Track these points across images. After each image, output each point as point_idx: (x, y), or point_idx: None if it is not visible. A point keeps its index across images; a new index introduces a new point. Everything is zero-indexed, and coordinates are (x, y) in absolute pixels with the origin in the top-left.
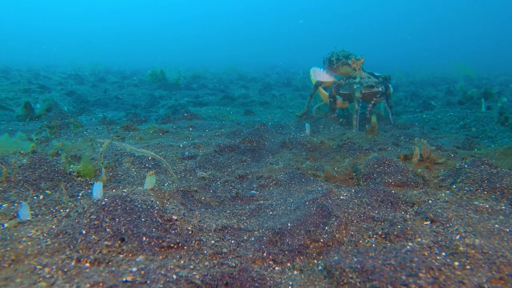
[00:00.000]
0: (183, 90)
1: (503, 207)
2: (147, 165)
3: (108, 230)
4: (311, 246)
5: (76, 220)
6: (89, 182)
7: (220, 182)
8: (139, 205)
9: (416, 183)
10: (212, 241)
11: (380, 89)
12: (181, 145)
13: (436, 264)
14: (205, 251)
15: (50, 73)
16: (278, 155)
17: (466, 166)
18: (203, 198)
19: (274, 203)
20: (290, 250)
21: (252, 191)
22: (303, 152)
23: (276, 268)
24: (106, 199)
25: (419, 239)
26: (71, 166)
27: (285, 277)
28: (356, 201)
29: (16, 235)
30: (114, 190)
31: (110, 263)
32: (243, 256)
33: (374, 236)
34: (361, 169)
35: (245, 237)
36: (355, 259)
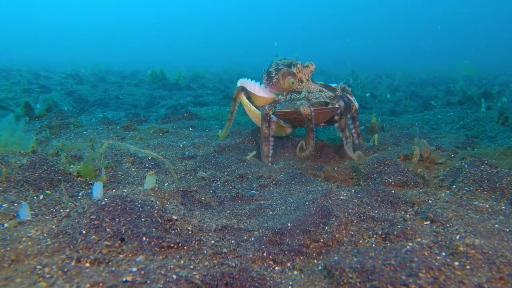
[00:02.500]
0: (183, 90)
1: (503, 207)
2: (147, 165)
3: (108, 230)
4: (311, 246)
5: (76, 220)
6: (89, 182)
7: (220, 182)
8: (139, 205)
9: (416, 183)
10: (212, 241)
11: (337, 105)
12: (181, 145)
13: (436, 264)
14: (205, 251)
15: (50, 73)
16: (278, 154)
17: (466, 166)
18: (203, 198)
19: (274, 203)
20: (290, 250)
21: (252, 191)
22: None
23: (276, 268)
24: (106, 199)
25: (419, 239)
26: (71, 166)
27: (285, 277)
28: (356, 201)
29: (16, 235)
30: (114, 190)
31: (110, 263)
32: (243, 256)
33: (374, 236)
34: (361, 169)
35: (245, 237)
36: (355, 259)
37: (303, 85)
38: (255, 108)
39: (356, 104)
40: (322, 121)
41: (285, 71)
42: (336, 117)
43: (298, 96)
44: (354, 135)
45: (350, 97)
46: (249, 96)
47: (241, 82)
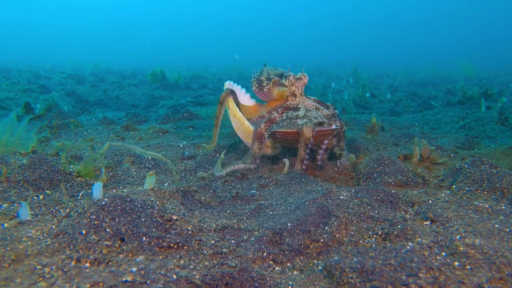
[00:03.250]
0: (183, 90)
1: (503, 207)
2: (147, 165)
3: (108, 230)
4: (311, 246)
5: (76, 220)
6: (89, 182)
7: (220, 182)
8: (139, 205)
9: (416, 183)
10: (212, 241)
11: (334, 126)
12: (181, 145)
13: (436, 264)
14: (205, 251)
15: (50, 73)
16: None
17: (466, 166)
18: (203, 198)
19: (274, 203)
20: (290, 250)
21: (252, 191)
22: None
23: (276, 268)
24: (106, 199)
25: (419, 239)
26: (71, 166)
27: (285, 277)
28: (356, 201)
29: (16, 235)
30: (114, 190)
31: (110, 263)
32: (243, 256)
33: (374, 236)
34: (361, 169)
35: (245, 237)
36: (355, 259)
37: (297, 100)
38: (248, 124)
39: (343, 123)
40: (320, 142)
41: (276, 81)
42: (331, 137)
43: (296, 114)
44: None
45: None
46: (238, 103)
47: (228, 85)
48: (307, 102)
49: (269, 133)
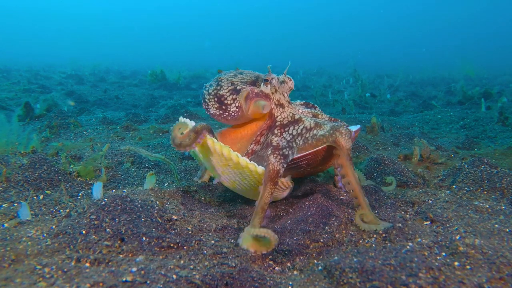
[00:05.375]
0: (183, 90)
1: (503, 207)
2: (147, 165)
3: (108, 230)
4: (311, 246)
5: (76, 220)
6: (89, 182)
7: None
8: (139, 205)
9: (416, 183)
10: (212, 241)
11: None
12: None
13: (436, 264)
14: (205, 251)
15: (50, 73)
16: None
17: (466, 166)
18: (203, 198)
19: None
20: (290, 250)
21: None
22: None
23: (276, 268)
24: (106, 199)
25: (419, 239)
26: (71, 166)
27: (285, 277)
28: None
29: (16, 235)
30: (114, 190)
31: (110, 263)
32: (243, 256)
33: (374, 236)
34: (361, 169)
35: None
36: (355, 259)
37: (288, 111)
38: (247, 161)
39: None
40: (324, 162)
41: (249, 92)
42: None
43: (304, 127)
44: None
45: None
46: (216, 136)
47: (184, 121)
48: (300, 111)
49: (284, 166)
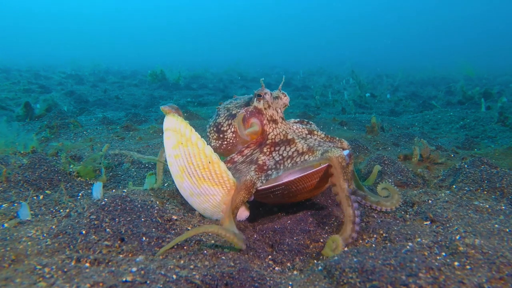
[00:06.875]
0: (183, 90)
1: (503, 207)
2: (146, 165)
3: (108, 230)
4: (311, 246)
5: (76, 220)
6: (89, 182)
7: None
8: (139, 205)
9: (416, 183)
10: (212, 241)
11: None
12: None
13: (436, 264)
14: (205, 251)
15: (50, 73)
16: None
17: (466, 166)
18: None
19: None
20: (290, 250)
21: None
22: None
23: (276, 268)
24: (106, 199)
25: (419, 239)
26: (71, 166)
27: (285, 277)
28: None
29: (16, 235)
30: (114, 190)
31: (110, 263)
32: (243, 256)
33: (374, 236)
34: (361, 169)
35: (245, 237)
36: (355, 259)
37: (281, 127)
38: (230, 175)
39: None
40: (320, 185)
41: (244, 115)
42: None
43: (295, 149)
44: None
45: None
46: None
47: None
48: (294, 127)
49: (263, 182)
